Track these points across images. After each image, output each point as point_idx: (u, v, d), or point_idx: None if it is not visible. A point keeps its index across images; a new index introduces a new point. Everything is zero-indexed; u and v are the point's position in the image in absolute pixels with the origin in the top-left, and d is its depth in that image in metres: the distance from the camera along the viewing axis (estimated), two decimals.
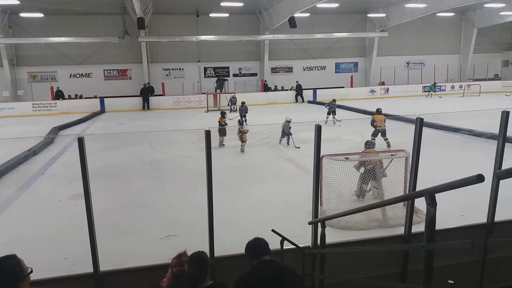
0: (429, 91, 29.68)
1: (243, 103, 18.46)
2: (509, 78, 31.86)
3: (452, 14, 30.57)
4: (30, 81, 27.21)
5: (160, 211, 7.85)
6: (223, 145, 13.40)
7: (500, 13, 29.00)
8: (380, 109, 13.52)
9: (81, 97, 26.75)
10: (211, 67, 30.14)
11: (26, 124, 20.29)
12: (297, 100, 28.71)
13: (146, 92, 26.57)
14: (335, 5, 24.88)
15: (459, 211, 6.65)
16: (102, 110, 25.64)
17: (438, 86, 31.09)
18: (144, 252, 5.79)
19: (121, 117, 23.20)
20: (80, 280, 3.96)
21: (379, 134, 12.74)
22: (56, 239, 6.54)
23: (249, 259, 3.01)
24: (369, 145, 8.72)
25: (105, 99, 26.08)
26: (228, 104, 24.31)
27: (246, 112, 18.06)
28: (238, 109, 18.57)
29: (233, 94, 24.92)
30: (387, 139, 12.69)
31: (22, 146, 12.96)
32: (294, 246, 4.08)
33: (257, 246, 3.02)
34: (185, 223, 6.95)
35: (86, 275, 3.90)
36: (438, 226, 2.25)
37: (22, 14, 24.32)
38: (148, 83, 27.33)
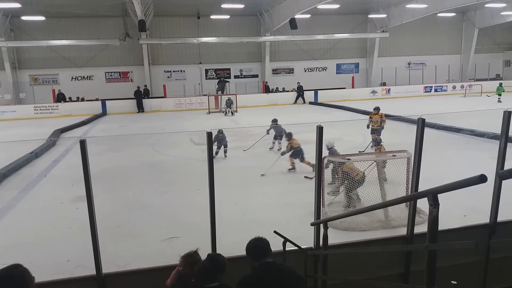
0: (500, 94, 25.26)
1: (219, 131, 12.19)
2: (510, 78, 31.80)
3: (453, 14, 30.54)
4: (31, 84, 27.28)
5: (162, 213, 7.86)
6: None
7: (501, 13, 28.95)
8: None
9: (82, 99, 26.81)
10: (212, 69, 30.17)
11: (28, 127, 20.34)
12: (296, 102, 28.67)
13: (139, 95, 26.53)
14: (336, 6, 24.88)
15: (461, 211, 6.63)
16: (104, 113, 25.67)
17: (439, 86, 31.13)
18: (146, 254, 5.80)
19: (123, 119, 23.24)
20: (83, 283, 3.96)
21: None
22: (59, 242, 6.55)
23: (250, 260, 2.99)
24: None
25: (106, 101, 26.10)
26: (224, 108, 24.21)
27: (226, 145, 12.34)
28: (215, 141, 11.93)
29: (229, 96, 24.82)
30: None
31: (24, 149, 13.00)
32: (297, 248, 4.07)
33: (258, 246, 2.99)
34: (187, 224, 6.96)
35: (89, 277, 3.90)
36: (441, 227, 2.24)
37: (24, 17, 24.40)
38: (145, 86, 27.35)
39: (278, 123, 13.35)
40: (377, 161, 7.59)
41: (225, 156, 12.33)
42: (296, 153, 10.43)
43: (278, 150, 12.64)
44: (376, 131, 12.73)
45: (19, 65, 27.22)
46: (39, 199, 9.07)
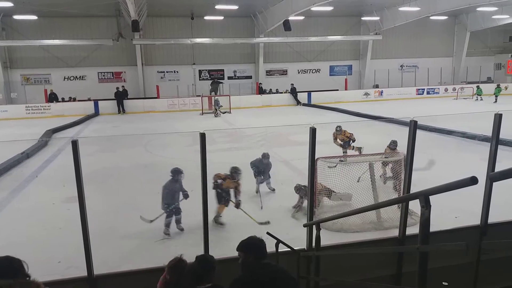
0: (479, 94, 27.60)
1: (264, 156, 9.01)
2: (501, 81, 32.14)
3: (445, 17, 30.82)
4: (23, 84, 27.04)
5: (154, 214, 7.82)
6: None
7: (493, 17, 29.29)
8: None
9: (74, 99, 26.60)
10: (206, 70, 30.13)
11: (20, 127, 20.16)
12: (300, 103, 28.57)
13: (121, 96, 26.21)
14: (330, 8, 25.00)
15: (453, 213, 6.68)
16: (96, 113, 25.51)
17: (432, 88, 31.38)
18: (138, 256, 5.78)
19: (115, 119, 23.12)
20: (74, 284, 3.93)
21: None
22: (50, 243, 6.50)
23: (245, 256, 2.94)
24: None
25: (99, 101, 25.96)
26: (214, 109, 24.20)
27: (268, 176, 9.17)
28: None
29: (217, 98, 24.82)
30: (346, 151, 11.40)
31: (15, 149, 12.88)
32: (289, 249, 4.07)
33: (259, 246, 2.95)
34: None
35: (80, 278, 3.88)
36: (432, 228, 2.26)
37: (16, 16, 24.18)
38: (122, 87, 26.91)
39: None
40: (370, 163, 7.63)
41: (272, 190, 9.09)
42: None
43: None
44: (345, 144, 11.55)
45: (10, 64, 26.97)
46: (30, 199, 8.99)
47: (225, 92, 27.52)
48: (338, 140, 11.57)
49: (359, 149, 11.27)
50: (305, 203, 8.47)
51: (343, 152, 11.09)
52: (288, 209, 7.68)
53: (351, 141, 11.56)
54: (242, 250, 2.96)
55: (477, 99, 27.82)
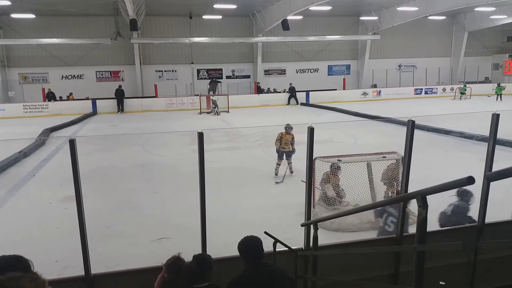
0: (462, 93, 29.18)
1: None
2: (499, 81, 32.23)
3: (443, 17, 30.88)
4: (21, 83, 26.97)
5: (152, 213, 7.82)
6: None
7: (491, 17, 29.35)
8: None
9: (71, 94, 26.48)
10: (204, 69, 30.11)
11: (17, 126, 20.10)
12: (289, 102, 28.73)
13: (120, 94, 26.08)
14: (328, 8, 25.02)
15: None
16: (94, 112, 25.47)
17: (430, 88, 31.43)
18: (136, 255, 5.77)
19: (113, 118, 23.08)
20: (71, 283, 3.92)
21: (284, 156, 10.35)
22: (47, 242, 6.49)
23: (242, 258, 2.95)
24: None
25: (97, 100, 25.91)
26: (212, 108, 24.27)
27: None
28: None
29: (214, 97, 24.86)
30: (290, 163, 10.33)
31: (13, 148, 12.85)
32: (287, 248, 4.07)
33: (252, 248, 2.95)
34: (178, 225, 6.93)
35: (77, 278, 3.86)
36: (430, 228, 2.26)
37: (13, 15, 24.12)
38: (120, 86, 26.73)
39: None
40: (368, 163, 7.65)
41: None
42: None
43: None
44: (286, 155, 10.29)
45: (8, 63, 26.90)
46: (27, 199, 8.98)
47: (223, 92, 27.52)
48: (283, 140, 10.17)
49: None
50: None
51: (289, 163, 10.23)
52: (287, 208, 7.67)
53: (292, 150, 10.18)
54: (238, 251, 2.98)
55: (460, 98, 29.08)
